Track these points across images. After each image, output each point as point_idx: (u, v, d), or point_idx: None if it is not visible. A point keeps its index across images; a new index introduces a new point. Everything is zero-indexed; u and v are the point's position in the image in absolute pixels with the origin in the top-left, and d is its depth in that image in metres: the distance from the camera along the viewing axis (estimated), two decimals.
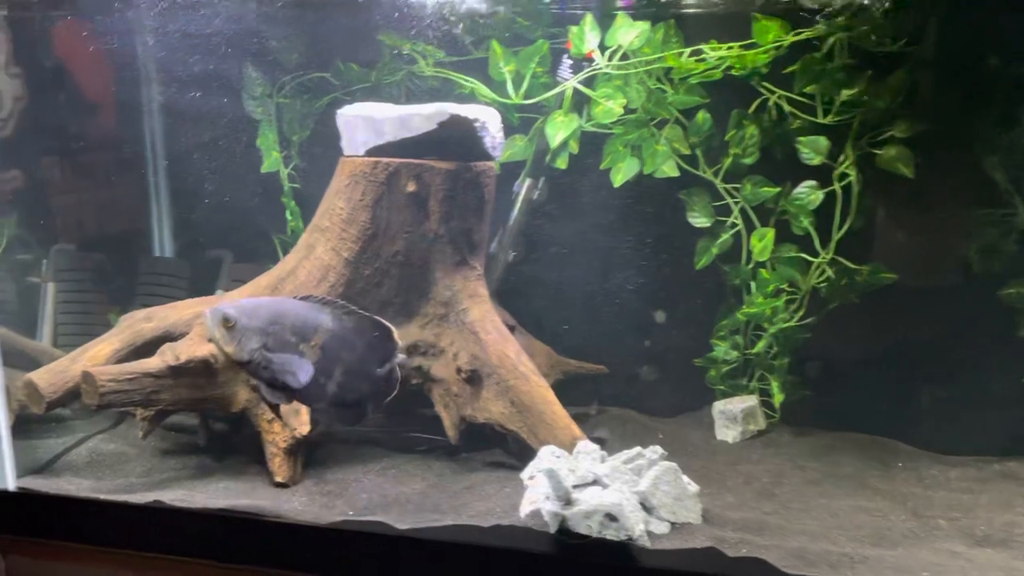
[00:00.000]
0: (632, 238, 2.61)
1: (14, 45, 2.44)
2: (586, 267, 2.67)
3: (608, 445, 2.17)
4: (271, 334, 1.95)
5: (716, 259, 2.51)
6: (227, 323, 1.94)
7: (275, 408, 2.19)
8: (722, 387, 2.60)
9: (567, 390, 2.47)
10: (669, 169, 2.44)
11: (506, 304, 2.52)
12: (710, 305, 2.61)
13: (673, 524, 1.94)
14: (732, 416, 2.50)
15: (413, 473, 2.29)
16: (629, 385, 2.71)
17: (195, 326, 2.27)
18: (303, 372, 1.96)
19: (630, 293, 2.66)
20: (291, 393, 1.98)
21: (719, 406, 2.54)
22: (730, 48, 2.30)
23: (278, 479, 2.18)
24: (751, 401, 2.52)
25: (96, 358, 2.23)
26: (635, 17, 2.39)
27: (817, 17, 2.22)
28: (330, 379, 1.99)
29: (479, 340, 2.26)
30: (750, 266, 2.48)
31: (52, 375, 2.20)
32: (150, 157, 2.81)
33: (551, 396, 2.19)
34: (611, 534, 1.86)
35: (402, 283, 2.30)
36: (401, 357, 2.03)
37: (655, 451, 2.03)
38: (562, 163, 2.54)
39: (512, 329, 2.40)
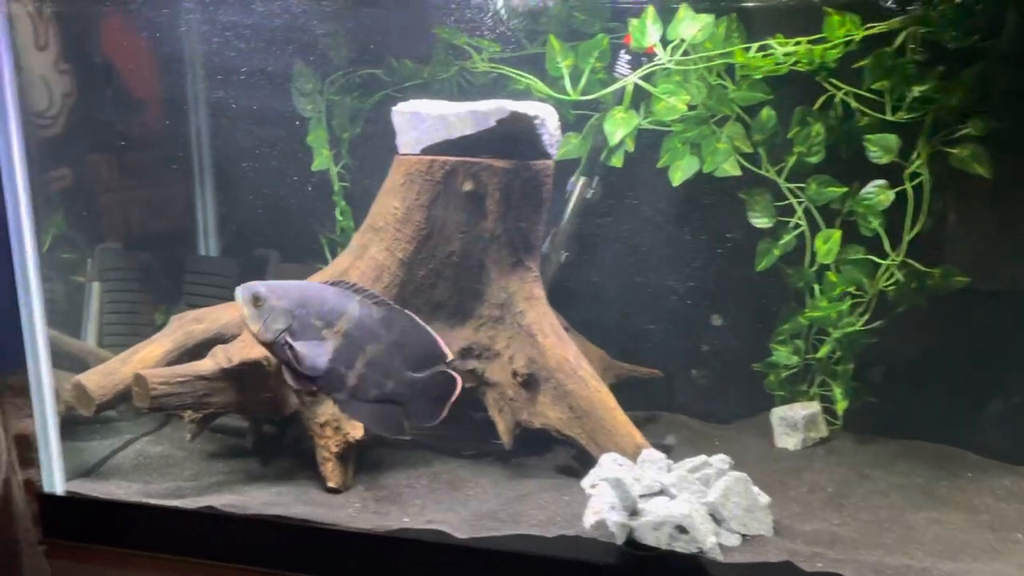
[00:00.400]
0: (689, 239, 2.54)
1: (63, 41, 2.41)
2: (640, 268, 2.61)
3: (674, 452, 2.11)
4: (297, 317, 1.94)
5: (777, 261, 2.43)
6: (256, 301, 1.95)
7: (301, 392, 2.11)
8: (781, 393, 2.52)
9: (620, 394, 2.41)
10: (730, 167, 2.37)
11: (557, 306, 2.46)
12: (767, 308, 2.53)
13: (744, 536, 1.87)
14: (793, 423, 2.42)
15: (466, 479, 2.23)
16: (683, 390, 2.64)
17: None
18: (319, 360, 1.93)
19: (685, 295, 2.60)
20: (312, 380, 1.95)
21: (779, 412, 2.46)
22: (798, 43, 2.23)
23: (330, 484, 2.13)
24: (813, 407, 2.44)
25: (147, 360, 2.19)
26: (698, 9, 2.32)
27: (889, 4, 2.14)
28: (351, 369, 1.95)
29: (536, 343, 2.20)
30: (813, 268, 2.40)
31: (102, 377, 2.16)
32: (196, 154, 2.77)
33: (612, 402, 2.13)
34: (681, 546, 1.79)
35: (457, 284, 2.24)
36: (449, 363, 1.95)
37: (722, 460, 1.97)
38: (618, 161, 2.47)
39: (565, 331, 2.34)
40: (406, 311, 1.98)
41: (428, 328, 1.97)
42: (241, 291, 1.95)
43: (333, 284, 1.99)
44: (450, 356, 1.96)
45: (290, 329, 1.93)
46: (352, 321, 1.94)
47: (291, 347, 1.92)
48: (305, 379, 1.95)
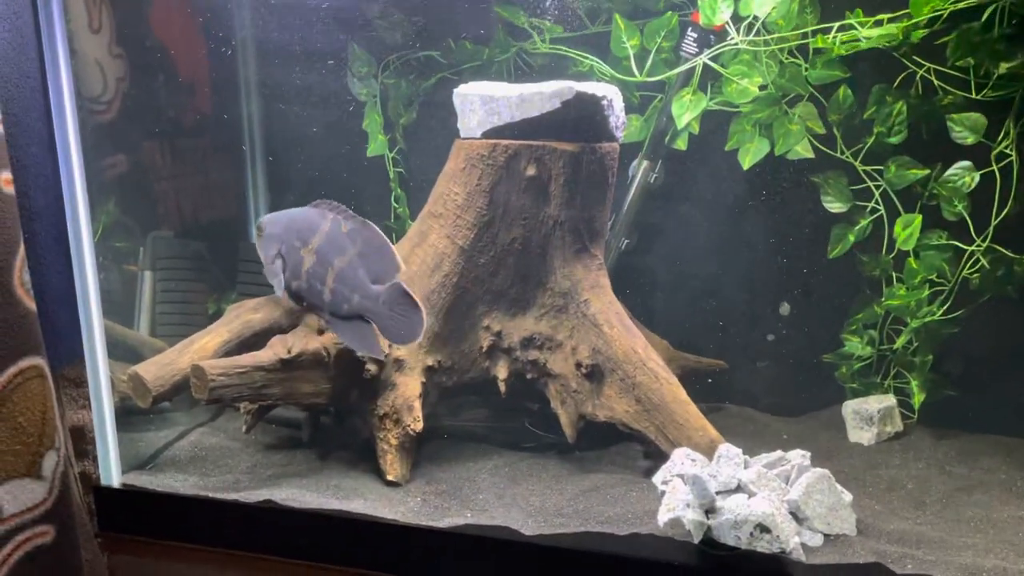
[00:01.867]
0: (757, 224, 2.45)
1: (118, 24, 2.36)
2: (705, 256, 2.51)
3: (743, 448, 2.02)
4: (284, 241, 2.08)
5: (852, 248, 2.33)
6: (259, 231, 2.13)
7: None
8: (854, 385, 2.42)
9: (684, 386, 2.34)
10: (803, 150, 2.27)
11: (618, 294, 2.37)
12: (839, 297, 2.43)
13: (826, 536, 1.79)
14: (867, 416, 2.32)
15: (528, 473, 2.17)
16: (750, 382, 2.55)
17: (305, 317, 2.17)
18: (277, 282, 2.09)
19: (752, 284, 2.50)
20: (300, 299, 2.08)
21: (852, 405, 2.36)
22: (879, 22, 2.11)
23: (389, 477, 2.08)
24: (889, 401, 2.34)
25: (204, 350, 2.14)
26: None
27: None
28: (324, 285, 2.03)
29: (602, 333, 2.12)
30: (891, 255, 2.29)
31: (159, 368, 2.11)
32: (249, 140, 2.72)
33: (683, 395, 2.04)
34: (763, 546, 1.71)
35: (518, 272, 2.17)
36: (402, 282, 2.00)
37: (802, 455, 1.88)
38: (682, 144, 2.38)
39: None
40: (369, 222, 2.05)
41: (385, 237, 2.02)
42: (256, 224, 2.17)
43: (315, 205, 2.10)
44: (403, 267, 2.02)
45: (280, 253, 2.08)
46: (323, 237, 2.03)
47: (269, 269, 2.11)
48: (297, 299, 2.09)
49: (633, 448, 2.26)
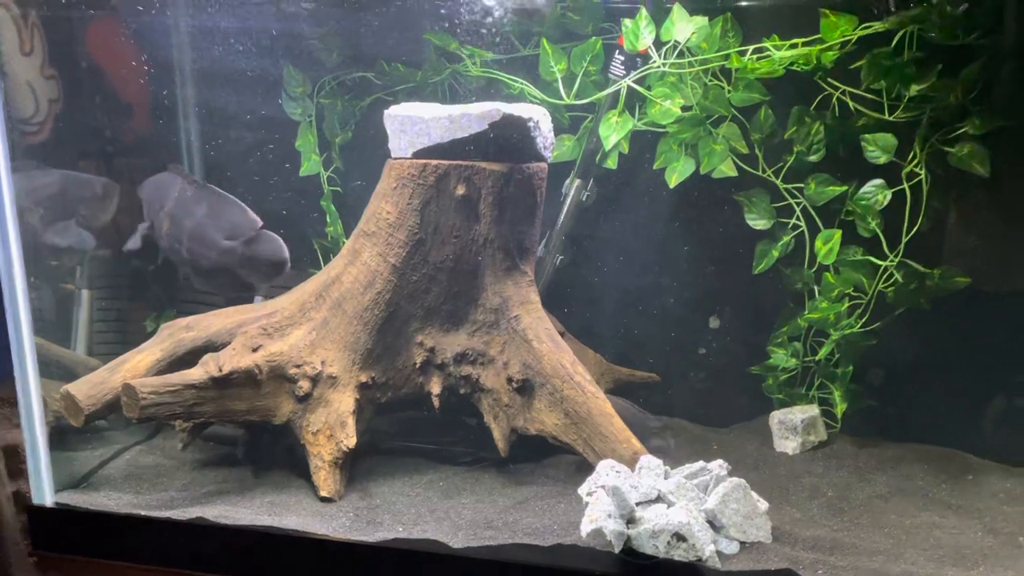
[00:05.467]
0: (686, 240, 2.52)
1: (50, 46, 2.38)
2: (636, 271, 2.58)
3: (668, 454, 2.07)
4: (150, 204, 2.38)
5: (776, 262, 2.40)
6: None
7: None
8: (780, 396, 2.50)
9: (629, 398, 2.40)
10: (727, 168, 2.34)
11: (553, 309, 2.43)
12: (766, 310, 2.51)
13: (743, 543, 1.85)
14: (792, 426, 2.40)
15: (462, 487, 2.21)
16: (681, 394, 2.61)
17: (238, 335, 2.19)
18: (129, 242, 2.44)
19: (682, 298, 2.57)
20: (150, 259, 2.42)
21: (778, 416, 2.43)
22: (794, 45, 2.20)
23: (323, 493, 2.10)
24: (812, 411, 2.41)
25: (136, 369, 2.15)
26: (691, 9, 2.29)
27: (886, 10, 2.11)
28: (181, 244, 2.29)
29: (531, 348, 2.17)
30: (812, 270, 2.37)
31: (91, 387, 2.12)
32: (187, 160, 2.73)
33: (609, 408, 2.09)
34: (679, 554, 1.77)
35: (451, 289, 2.21)
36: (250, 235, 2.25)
37: (720, 465, 1.94)
38: (612, 163, 2.45)
39: (561, 336, 2.31)
40: (210, 186, 2.33)
41: (235, 200, 2.25)
42: None
43: (168, 169, 2.38)
44: (259, 222, 2.23)
45: (145, 217, 2.37)
46: (174, 201, 2.30)
47: None
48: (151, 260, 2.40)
49: (566, 460, 2.31)
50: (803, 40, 2.20)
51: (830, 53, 2.16)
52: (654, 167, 2.41)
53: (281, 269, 2.29)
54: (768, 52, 2.21)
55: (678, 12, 2.27)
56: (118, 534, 2.07)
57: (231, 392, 2.10)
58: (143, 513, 2.05)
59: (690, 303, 2.56)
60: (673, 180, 2.38)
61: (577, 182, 2.50)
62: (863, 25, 2.15)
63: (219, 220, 2.24)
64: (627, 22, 2.32)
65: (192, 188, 2.27)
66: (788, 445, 2.41)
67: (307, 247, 2.72)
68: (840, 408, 2.40)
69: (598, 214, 2.54)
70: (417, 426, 2.48)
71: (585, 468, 2.05)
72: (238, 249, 2.20)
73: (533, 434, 2.20)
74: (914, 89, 2.17)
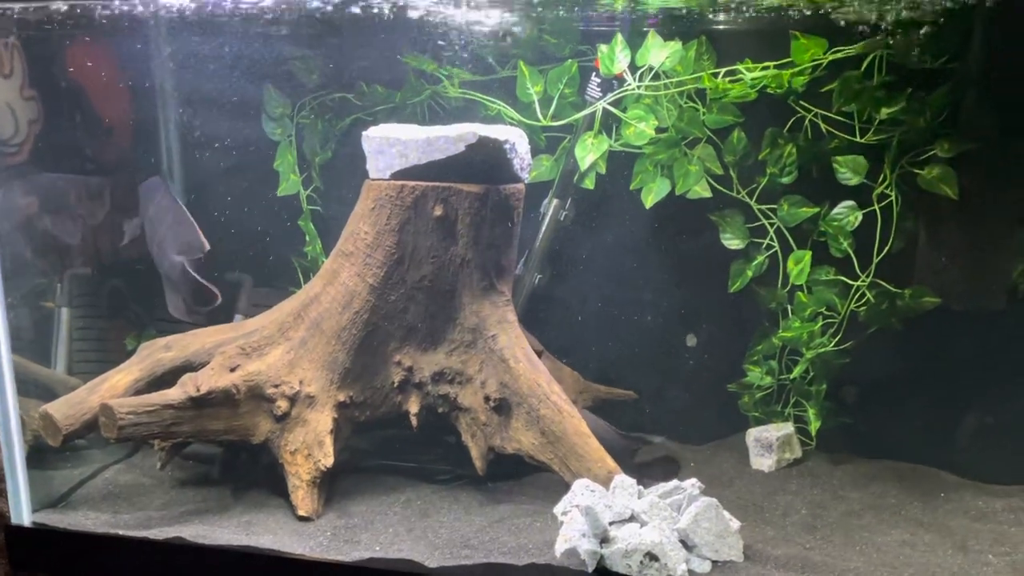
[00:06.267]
0: (664, 259, 2.54)
1: (29, 67, 2.39)
2: (614, 289, 2.60)
3: (649, 475, 2.09)
4: (144, 203, 2.51)
5: (751, 282, 2.43)
6: None
7: None
8: (756, 414, 2.52)
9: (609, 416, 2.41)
10: (702, 189, 2.37)
11: (532, 327, 2.45)
12: (743, 329, 2.54)
13: (715, 562, 1.87)
14: (767, 444, 2.42)
15: (439, 506, 2.22)
16: (659, 411, 2.63)
17: (216, 355, 2.20)
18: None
19: (660, 316, 2.59)
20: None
21: (753, 433, 2.46)
22: (766, 68, 2.24)
23: (301, 512, 2.11)
24: (787, 428, 2.44)
25: (115, 389, 2.16)
26: (666, 33, 2.33)
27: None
28: (152, 248, 2.44)
29: (508, 368, 2.19)
30: (786, 289, 2.40)
31: (69, 406, 2.13)
32: (168, 178, 2.74)
33: (584, 428, 2.11)
34: (652, 574, 1.79)
35: (428, 309, 2.23)
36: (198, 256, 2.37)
37: (693, 484, 1.96)
38: (590, 183, 2.47)
39: (539, 354, 2.32)
40: (178, 200, 2.46)
41: (190, 218, 2.40)
42: None
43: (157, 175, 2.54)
44: (207, 247, 2.36)
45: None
46: (155, 207, 2.43)
47: None
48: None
49: (545, 478, 2.32)
50: (775, 63, 2.24)
51: (800, 77, 2.20)
52: (631, 187, 2.44)
53: (202, 302, 2.40)
54: (740, 75, 2.24)
55: (652, 38, 2.30)
56: (95, 554, 2.08)
57: (209, 412, 2.11)
58: (120, 533, 2.06)
59: (667, 321, 2.59)
60: (650, 200, 2.41)
61: (555, 202, 2.53)
62: (833, 49, 2.19)
63: (177, 234, 2.36)
64: (603, 47, 2.35)
65: (167, 199, 2.40)
66: (764, 462, 2.43)
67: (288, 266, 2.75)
68: (814, 426, 2.42)
69: (576, 233, 2.57)
70: (396, 444, 2.50)
71: (562, 487, 2.06)
72: (181, 267, 2.32)
73: (510, 453, 2.21)
74: (884, 112, 2.20)
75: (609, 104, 2.39)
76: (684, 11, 2.21)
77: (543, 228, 2.54)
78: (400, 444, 2.48)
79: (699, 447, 2.61)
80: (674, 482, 1.99)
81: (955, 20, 2.10)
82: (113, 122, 2.63)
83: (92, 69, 2.51)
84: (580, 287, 2.62)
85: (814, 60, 2.18)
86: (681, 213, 2.47)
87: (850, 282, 2.32)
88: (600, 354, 2.63)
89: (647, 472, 2.29)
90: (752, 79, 2.22)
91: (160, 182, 2.50)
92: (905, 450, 2.42)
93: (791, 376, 2.43)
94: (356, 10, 2.25)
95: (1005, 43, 2.17)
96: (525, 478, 2.34)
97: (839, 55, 2.18)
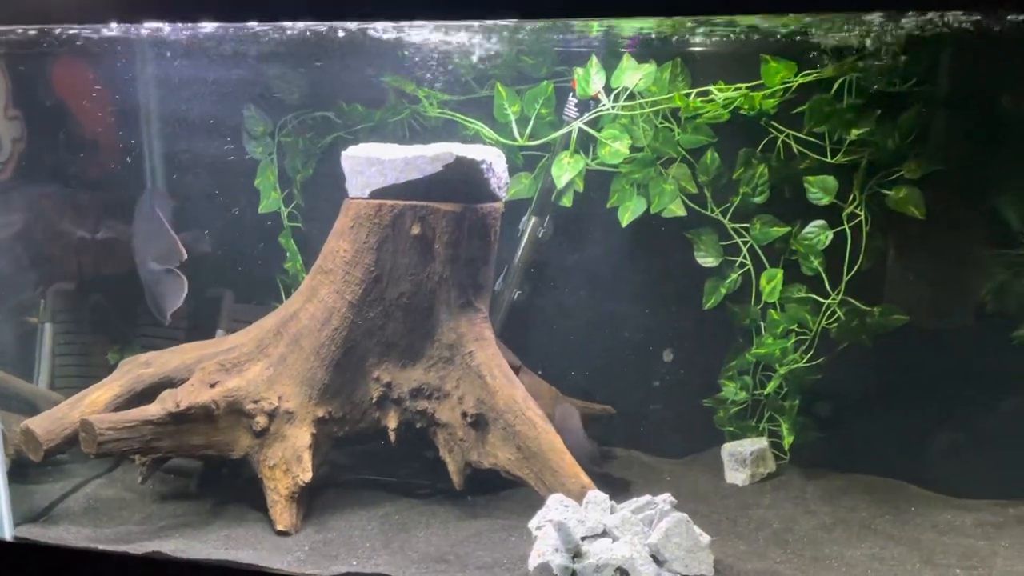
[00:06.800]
0: (639, 277, 2.58)
1: (13, 86, 2.42)
2: (592, 305, 2.64)
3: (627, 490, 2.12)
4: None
5: (725, 299, 2.48)
6: None
7: None
8: (731, 428, 2.56)
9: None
10: (676, 208, 2.42)
11: (510, 343, 2.49)
12: (719, 345, 2.57)
13: None
14: (741, 459, 2.46)
15: (417, 520, 2.25)
16: (636, 425, 2.66)
17: (196, 371, 2.23)
18: None
19: (637, 332, 2.63)
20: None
21: (728, 448, 2.50)
22: (738, 89, 2.28)
23: (279, 527, 2.14)
24: (761, 443, 2.48)
25: (95, 404, 2.19)
26: (641, 55, 2.37)
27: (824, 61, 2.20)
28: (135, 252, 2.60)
29: (485, 384, 2.22)
30: (759, 306, 2.44)
31: (50, 422, 2.15)
32: (149, 195, 2.78)
33: (559, 443, 2.14)
34: None
35: (406, 325, 2.26)
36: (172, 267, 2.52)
37: (666, 500, 1.99)
38: (567, 201, 2.51)
39: (517, 369, 2.36)
40: (157, 210, 2.57)
41: (167, 229, 2.54)
42: None
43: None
44: (184, 255, 2.47)
45: None
46: (139, 215, 2.60)
47: None
48: None
49: (522, 492, 2.35)
50: (747, 85, 2.29)
51: (770, 99, 2.25)
52: (608, 205, 2.48)
53: (165, 310, 2.53)
54: (712, 96, 2.29)
55: (627, 60, 2.35)
56: (76, 568, 2.09)
57: (188, 427, 2.14)
58: (100, 547, 2.08)
59: (644, 337, 2.62)
60: (626, 218, 2.45)
61: (534, 219, 2.57)
62: (803, 72, 2.23)
63: (157, 241, 2.50)
64: (579, 70, 2.40)
65: (148, 209, 2.53)
66: (738, 477, 2.47)
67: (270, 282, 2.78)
68: (788, 440, 2.46)
69: (555, 250, 2.61)
70: (376, 459, 2.52)
71: (539, 501, 2.09)
72: (155, 274, 2.48)
73: (487, 468, 2.24)
74: (854, 134, 2.25)
75: (585, 124, 2.44)
76: (652, 35, 2.25)
77: (522, 245, 2.58)
78: (379, 459, 2.51)
79: (675, 461, 2.64)
80: (647, 497, 2.02)
81: (923, 45, 2.15)
82: (96, 140, 2.66)
83: (76, 88, 2.54)
84: (558, 303, 2.66)
85: (784, 82, 2.23)
86: (657, 231, 2.51)
87: (821, 300, 2.37)
88: (578, 369, 2.66)
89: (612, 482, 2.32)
90: (724, 99, 2.26)
91: (147, 194, 2.60)
92: (877, 464, 2.46)
93: (765, 391, 2.47)
94: (340, 33, 2.28)
95: (971, 67, 2.22)
96: (503, 492, 2.37)
97: (809, 79, 2.23)
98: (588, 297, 2.63)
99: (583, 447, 2.28)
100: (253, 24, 2.08)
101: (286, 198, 2.72)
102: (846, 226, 2.31)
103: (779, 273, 2.36)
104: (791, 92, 2.26)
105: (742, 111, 2.30)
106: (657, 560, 1.88)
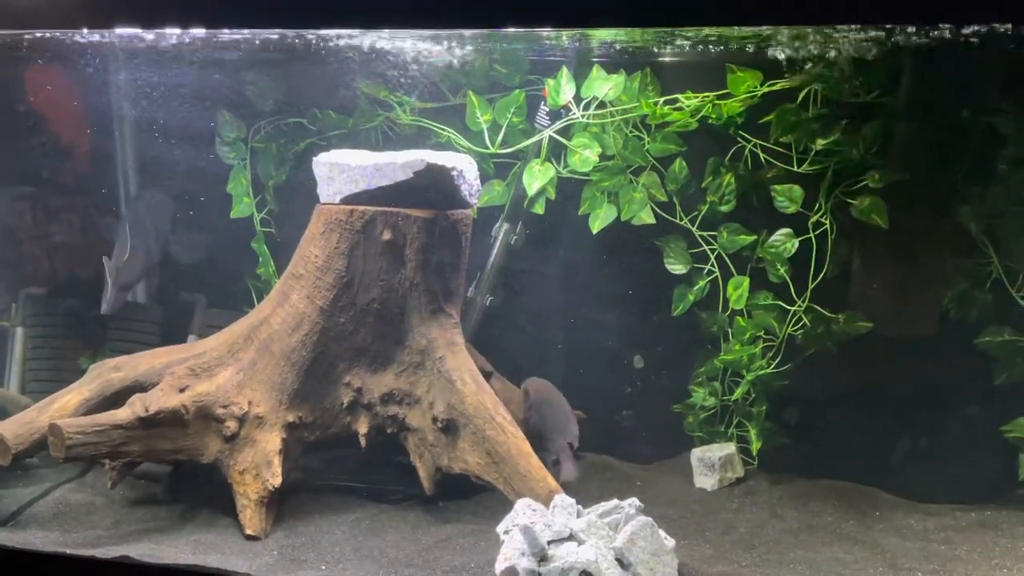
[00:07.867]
0: (610, 284, 2.61)
1: None
2: (564, 311, 2.66)
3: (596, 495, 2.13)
4: None
5: (693, 306, 2.50)
6: None
7: None
8: (700, 434, 2.59)
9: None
10: (646, 216, 2.45)
11: (482, 348, 2.51)
12: (688, 352, 2.60)
13: None
14: (710, 464, 2.48)
15: (387, 525, 2.25)
16: (607, 431, 2.68)
17: (166, 375, 2.23)
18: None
19: (608, 338, 2.65)
20: None
21: (697, 453, 2.52)
22: (704, 98, 2.32)
23: (249, 532, 2.14)
24: (729, 448, 2.50)
25: (64, 409, 2.19)
26: (613, 64, 2.40)
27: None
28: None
29: (455, 389, 2.24)
30: (727, 313, 2.48)
31: (19, 426, 2.15)
32: (124, 200, 2.78)
33: (527, 448, 2.16)
34: None
35: (378, 331, 2.28)
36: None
37: (632, 504, 2.01)
38: (539, 208, 2.54)
39: (489, 375, 2.38)
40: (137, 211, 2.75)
41: (126, 228, 2.66)
42: None
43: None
44: (127, 253, 2.61)
45: None
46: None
47: None
48: None
49: (493, 497, 2.36)
50: (715, 94, 2.32)
51: (736, 106, 2.29)
52: (579, 212, 2.51)
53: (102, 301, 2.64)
54: (680, 104, 2.32)
55: (596, 71, 2.39)
56: (44, 572, 2.09)
57: (158, 432, 2.14)
58: (69, 552, 2.08)
59: (615, 343, 2.65)
60: (596, 225, 2.48)
61: (506, 226, 2.59)
62: (769, 82, 2.27)
63: (123, 242, 2.62)
64: (550, 81, 2.42)
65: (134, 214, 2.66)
66: (707, 481, 2.49)
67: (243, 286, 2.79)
68: (756, 445, 2.49)
69: (527, 256, 2.63)
70: (346, 464, 2.53)
71: (509, 505, 2.11)
72: (113, 270, 2.60)
73: (457, 473, 2.26)
74: (819, 143, 2.29)
75: (556, 132, 2.46)
76: (619, 48, 2.29)
77: (494, 251, 2.60)
78: (350, 464, 2.52)
79: (646, 466, 2.66)
80: (614, 501, 2.04)
81: (887, 57, 2.19)
82: (69, 144, 2.66)
83: (48, 93, 2.54)
84: (530, 309, 2.68)
85: (749, 91, 2.26)
86: (628, 238, 2.54)
87: (787, 307, 2.40)
88: (550, 374, 2.68)
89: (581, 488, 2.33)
90: (691, 107, 2.30)
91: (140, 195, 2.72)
92: (843, 469, 2.49)
93: (733, 397, 2.50)
94: (312, 39, 2.30)
95: (935, 79, 2.26)
96: (474, 496, 2.38)
97: (774, 88, 2.27)
98: (559, 303, 2.66)
99: (568, 417, 2.31)
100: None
101: (259, 203, 2.73)
102: (812, 234, 2.34)
103: (746, 281, 2.40)
104: (758, 99, 2.29)
105: (710, 120, 2.33)
106: (622, 563, 1.90)
